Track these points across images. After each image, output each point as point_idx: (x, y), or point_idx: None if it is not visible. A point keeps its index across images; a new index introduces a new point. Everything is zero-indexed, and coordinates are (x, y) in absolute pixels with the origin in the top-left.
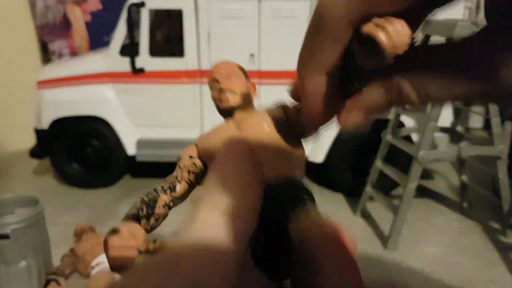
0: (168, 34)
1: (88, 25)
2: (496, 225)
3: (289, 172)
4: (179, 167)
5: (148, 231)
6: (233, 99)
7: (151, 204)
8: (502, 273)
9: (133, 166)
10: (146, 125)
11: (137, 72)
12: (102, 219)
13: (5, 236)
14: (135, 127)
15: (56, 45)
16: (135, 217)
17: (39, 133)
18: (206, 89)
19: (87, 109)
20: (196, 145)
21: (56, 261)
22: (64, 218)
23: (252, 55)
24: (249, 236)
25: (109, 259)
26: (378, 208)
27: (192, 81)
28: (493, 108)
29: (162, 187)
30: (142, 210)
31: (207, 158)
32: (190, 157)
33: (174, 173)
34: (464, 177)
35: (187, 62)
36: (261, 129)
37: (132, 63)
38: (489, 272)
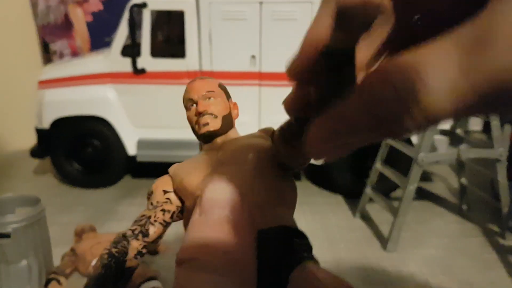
0: (170, 35)
1: (89, 25)
2: (495, 228)
3: (282, 217)
4: (151, 204)
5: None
6: (213, 124)
7: (120, 257)
8: (501, 276)
9: (134, 166)
10: (146, 125)
11: (138, 72)
12: (102, 219)
13: (6, 235)
14: (135, 128)
15: (57, 45)
16: (104, 278)
17: (40, 132)
18: None
19: (88, 109)
20: (171, 177)
21: (56, 261)
22: (65, 218)
23: (253, 57)
24: None
25: None
26: (377, 210)
27: None
28: None
29: (133, 231)
30: (111, 267)
31: (185, 196)
32: (164, 191)
33: (146, 212)
34: (464, 180)
35: (188, 63)
36: (248, 164)
37: (134, 63)
38: (487, 274)
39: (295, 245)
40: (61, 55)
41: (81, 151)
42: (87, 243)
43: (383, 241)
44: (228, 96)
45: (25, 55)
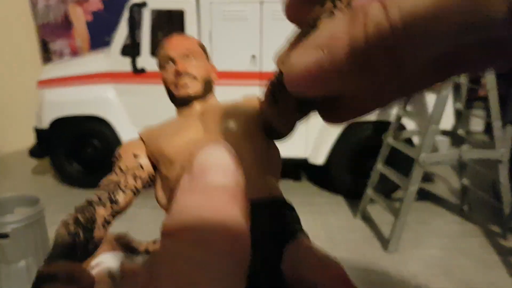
0: (170, 35)
1: (89, 24)
2: (496, 229)
3: (272, 187)
4: (120, 169)
5: (84, 259)
6: (193, 87)
7: (88, 225)
8: (502, 276)
9: None
10: (146, 125)
11: (138, 72)
12: None
13: (5, 235)
14: (135, 127)
15: (57, 45)
16: (71, 248)
17: (39, 132)
18: None
19: (88, 109)
20: (143, 141)
21: None
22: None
23: (253, 57)
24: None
25: None
26: (378, 211)
27: None
28: (495, 112)
29: (99, 198)
30: (79, 235)
31: (162, 162)
32: (135, 155)
33: (114, 177)
34: (465, 181)
35: None
36: (237, 129)
37: (133, 63)
38: (488, 275)
39: (288, 218)
40: (61, 55)
41: (81, 151)
42: None
43: (384, 242)
44: (207, 58)
45: (25, 54)
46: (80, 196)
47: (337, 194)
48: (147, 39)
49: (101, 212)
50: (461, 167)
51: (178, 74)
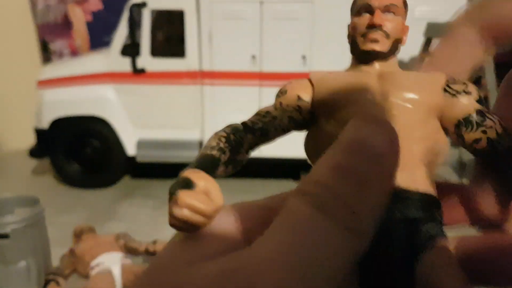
0: (170, 35)
1: (89, 25)
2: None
3: (425, 182)
4: (281, 104)
5: (217, 177)
6: (382, 44)
7: (236, 146)
8: None
9: (133, 166)
10: (146, 125)
11: (138, 72)
12: (101, 219)
13: (4, 236)
14: (135, 128)
15: (56, 45)
16: (215, 162)
17: (39, 132)
18: (207, 89)
19: (88, 109)
20: (313, 85)
21: (55, 261)
22: (63, 219)
23: (253, 57)
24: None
25: (172, 218)
26: None
27: (193, 82)
28: None
29: (253, 125)
30: (225, 153)
31: (327, 114)
32: (298, 98)
33: (272, 110)
34: (465, 181)
35: (188, 62)
36: (414, 108)
37: (133, 63)
38: None
39: (434, 218)
40: (61, 55)
41: (80, 151)
42: (87, 244)
43: None
44: (405, 17)
45: (24, 54)
46: (79, 196)
47: None
48: (147, 39)
49: (249, 138)
50: (461, 167)
51: (371, 26)
